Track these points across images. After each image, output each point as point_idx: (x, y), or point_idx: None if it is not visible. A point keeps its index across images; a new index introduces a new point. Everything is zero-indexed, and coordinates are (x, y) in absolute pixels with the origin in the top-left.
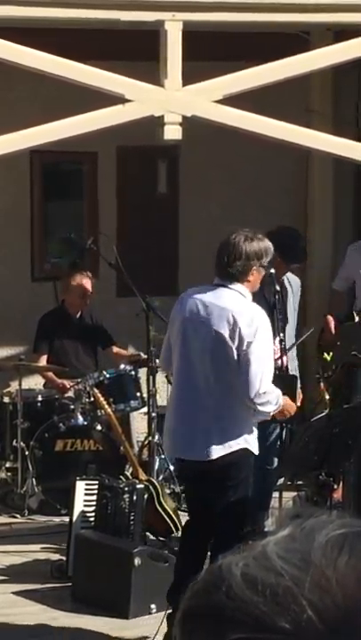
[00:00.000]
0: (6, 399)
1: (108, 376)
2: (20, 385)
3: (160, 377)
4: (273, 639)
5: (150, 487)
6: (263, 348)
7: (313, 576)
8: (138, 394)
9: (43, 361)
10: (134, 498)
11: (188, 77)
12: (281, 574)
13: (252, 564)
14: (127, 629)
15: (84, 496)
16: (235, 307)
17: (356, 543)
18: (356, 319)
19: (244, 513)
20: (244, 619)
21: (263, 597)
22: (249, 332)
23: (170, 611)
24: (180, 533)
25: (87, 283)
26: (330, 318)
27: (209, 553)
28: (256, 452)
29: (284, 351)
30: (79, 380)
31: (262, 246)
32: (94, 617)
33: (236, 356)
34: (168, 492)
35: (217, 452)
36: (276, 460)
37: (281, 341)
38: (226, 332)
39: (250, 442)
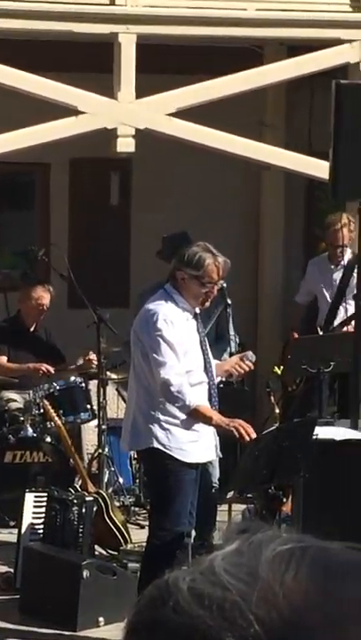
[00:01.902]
0: None
1: (58, 388)
2: None
3: (110, 389)
4: None
5: (99, 500)
6: (161, 344)
7: (260, 590)
8: (88, 406)
9: (3, 360)
10: (83, 510)
11: (142, 90)
12: (228, 589)
13: (199, 578)
14: None
15: (32, 508)
16: (149, 305)
17: (302, 558)
18: (321, 333)
19: (162, 512)
20: (190, 634)
21: (210, 612)
22: (150, 330)
23: None
24: (128, 546)
25: (47, 297)
26: (294, 333)
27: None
28: (182, 458)
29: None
30: (29, 391)
31: (196, 255)
32: (42, 629)
33: (143, 354)
34: (117, 504)
35: (129, 446)
36: (217, 473)
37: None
38: (138, 329)
39: (164, 443)
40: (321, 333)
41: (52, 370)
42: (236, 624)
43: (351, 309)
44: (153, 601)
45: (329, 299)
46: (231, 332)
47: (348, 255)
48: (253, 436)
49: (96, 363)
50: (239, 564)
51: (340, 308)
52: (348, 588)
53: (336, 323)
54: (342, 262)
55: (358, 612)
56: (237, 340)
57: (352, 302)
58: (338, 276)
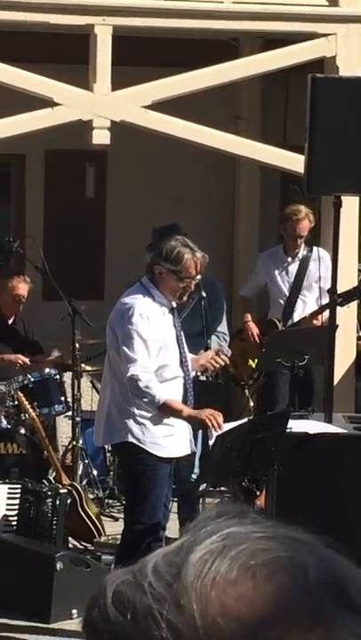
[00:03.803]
0: None
1: (32, 379)
2: None
3: (85, 381)
4: None
5: (73, 492)
6: (134, 340)
7: (175, 595)
8: (62, 398)
9: None
10: (57, 502)
11: (118, 82)
12: (145, 592)
13: (127, 580)
14: (48, 634)
15: (6, 500)
16: (125, 299)
17: (227, 560)
18: (280, 326)
19: (137, 506)
20: (108, 639)
21: (125, 618)
22: (124, 324)
23: None
24: (102, 539)
25: (24, 288)
26: (252, 325)
27: None
28: (157, 452)
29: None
30: (4, 383)
31: (175, 249)
32: (15, 621)
33: (117, 348)
34: (91, 497)
35: (104, 440)
36: (196, 470)
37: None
38: (113, 322)
39: (139, 437)
40: (280, 327)
41: (27, 361)
42: (148, 631)
43: (309, 303)
44: (91, 601)
45: (286, 291)
46: (223, 329)
47: (302, 248)
48: (222, 425)
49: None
50: (172, 562)
51: (298, 301)
52: (265, 593)
53: (296, 316)
54: (299, 255)
55: (274, 617)
56: (227, 338)
57: (308, 295)
58: (293, 268)
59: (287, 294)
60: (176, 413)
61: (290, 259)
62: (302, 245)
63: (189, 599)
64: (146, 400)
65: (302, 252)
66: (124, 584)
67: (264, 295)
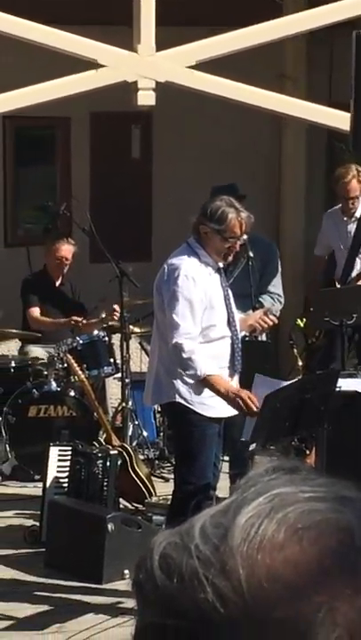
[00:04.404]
0: None
1: (81, 342)
2: None
3: (133, 343)
4: (179, 625)
5: (124, 453)
6: (179, 302)
7: (222, 558)
8: (111, 360)
9: (36, 313)
10: (107, 464)
11: (162, 43)
12: (192, 555)
13: (174, 541)
14: (101, 595)
15: (57, 462)
16: (171, 259)
17: (274, 522)
18: (338, 286)
19: (187, 466)
20: (156, 602)
21: (171, 581)
22: (170, 286)
23: None
24: (153, 499)
25: (67, 250)
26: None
27: None
28: (205, 412)
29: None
30: (52, 346)
31: (220, 209)
32: (68, 582)
33: (164, 309)
34: (141, 458)
35: (152, 400)
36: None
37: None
38: (160, 284)
39: (186, 397)
40: (338, 286)
41: (83, 320)
42: (195, 594)
43: None
44: (138, 562)
45: (345, 251)
46: (278, 290)
47: (358, 207)
48: (254, 411)
49: (119, 315)
50: (219, 524)
51: (357, 259)
52: (311, 556)
53: (354, 275)
54: (356, 214)
55: (320, 581)
56: (281, 300)
57: None
58: (352, 228)
59: (345, 254)
60: (214, 390)
61: (346, 218)
62: (359, 204)
63: (235, 563)
64: (188, 372)
65: (359, 210)
66: (170, 546)
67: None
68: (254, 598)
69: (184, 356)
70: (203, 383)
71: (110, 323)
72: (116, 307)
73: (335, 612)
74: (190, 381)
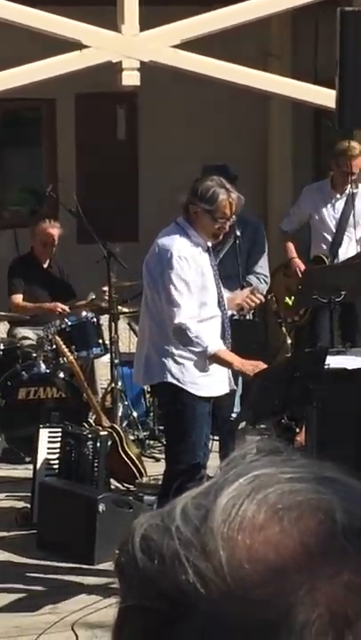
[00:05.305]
0: None
1: (69, 323)
2: None
3: (122, 324)
4: (160, 607)
5: (114, 434)
6: (177, 283)
7: (202, 540)
8: (100, 341)
9: (18, 299)
10: (98, 445)
11: (146, 22)
12: (173, 537)
13: (155, 523)
14: (93, 575)
15: (47, 444)
16: (162, 239)
17: (254, 503)
18: (328, 263)
19: (178, 445)
20: (137, 584)
21: (152, 563)
22: (164, 268)
23: None
24: (144, 479)
25: (52, 231)
26: (298, 261)
27: None
28: (196, 391)
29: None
30: (41, 328)
31: (210, 189)
32: (59, 563)
33: (154, 288)
34: (132, 438)
35: (143, 380)
36: (236, 408)
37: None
38: (151, 263)
39: (178, 377)
40: (328, 263)
41: (67, 309)
42: (176, 576)
43: (353, 239)
44: (120, 546)
45: (333, 227)
46: (264, 270)
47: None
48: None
49: (107, 295)
50: (200, 505)
51: (345, 237)
52: (292, 537)
53: (342, 252)
54: (346, 191)
55: (301, 561)
56: (267, 280)
57: (353, 231)
58: (340, 204)
59: (334, 230)
60: (226, 364)
61: (338, 195)
62: (352, 182)
63: (216, 545)
64: (197, 350)
65: (349, 188)
66: (151, 528)
67: (305, 231)
68: (235, 579)
69: (191, 335)
70: (213, 359)
71: (102, 304)
72: (105, 288)
73: (316, 592)
74: (182, 361)
